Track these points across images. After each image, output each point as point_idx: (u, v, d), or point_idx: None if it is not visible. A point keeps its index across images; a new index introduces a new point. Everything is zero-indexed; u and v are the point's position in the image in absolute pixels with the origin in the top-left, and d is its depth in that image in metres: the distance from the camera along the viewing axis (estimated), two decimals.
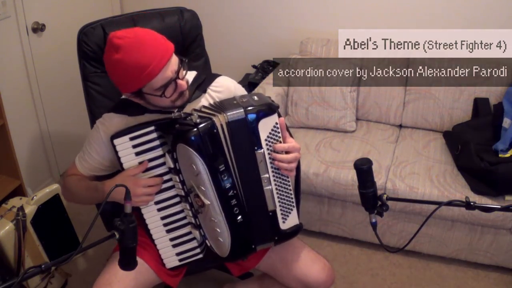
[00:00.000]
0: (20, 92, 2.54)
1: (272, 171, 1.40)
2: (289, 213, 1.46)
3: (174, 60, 1.34)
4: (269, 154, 1.38)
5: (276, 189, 1.42)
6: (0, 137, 2.20)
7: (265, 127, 1.36)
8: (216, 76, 1.58)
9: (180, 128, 1.33)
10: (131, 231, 1.12)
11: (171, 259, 1.50)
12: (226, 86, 1.55)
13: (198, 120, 1.31)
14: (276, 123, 1.38)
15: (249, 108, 1.35)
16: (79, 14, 2.76)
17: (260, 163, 1.38)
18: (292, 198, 1.46)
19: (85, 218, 2.42)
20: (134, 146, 1.39)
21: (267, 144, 1.37)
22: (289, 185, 1.44)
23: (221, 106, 1.39)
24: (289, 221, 1.46)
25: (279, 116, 1.41)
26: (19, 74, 2.52)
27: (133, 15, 1.83)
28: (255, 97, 1.41)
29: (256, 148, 1.36)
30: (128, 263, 1.17)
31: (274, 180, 1.40)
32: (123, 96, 1.49)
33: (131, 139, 1.38)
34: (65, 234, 2.09)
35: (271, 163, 1.39)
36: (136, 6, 2.48)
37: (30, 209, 1.90)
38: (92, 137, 1.49)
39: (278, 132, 1.39)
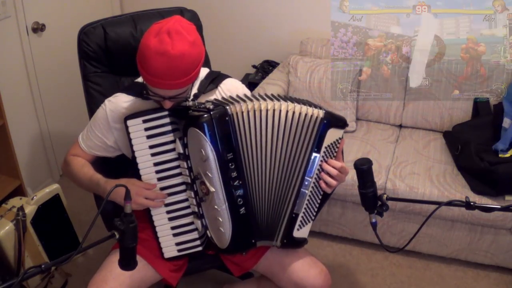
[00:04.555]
0: (20, 92, 2.54)
1: (315, 178, 1.42)
2: (306, 223, 1.47)
3: (176, 91, 1.35)
4: (321, 162, 1.40)
5: (309, 196, 1.43)
6: (0, 137, 2.20)
7: (331, 137, 1.39)
8: (226, 76, 1.61)
9: (192, 114, 1.36)
10: (131, 231, 1.12)
11: (170, 248, 1.51)
12: (235, 88, 1.58)
13: (211, 107, 1.34)
14: (340, 138, 1.42)
15: (325, 112, 1.40)
16: (79, 14, 2.76)
17: (310, 166, 1.40)
18: (315, 211, 1.47)
19: (85, 218, 2.42)
20: (146, 129, 1.41)
21: (324, 152, 1.40)
22: (319, 199, 1.46)
23: (301, 100, 1.42)
24: (302, 231, 1.47)
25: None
26: (19, 74, 2.52)
27: (133, 15, 1.83)
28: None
29: (316, 150, 1.39)
30: (128, 263, 1.17)
31: (312, 187, 1.42)
32: (138, 79, 1.51)
33: (144, 121, 1.41)
34: (65, 234, 2.09)
35: (318, 170, 1.41)
36: (136, 6, 2.48)
37: (30, 209, 1.89)
38: (98, 116, 1.50)
39: (337, 147, 1.42)
